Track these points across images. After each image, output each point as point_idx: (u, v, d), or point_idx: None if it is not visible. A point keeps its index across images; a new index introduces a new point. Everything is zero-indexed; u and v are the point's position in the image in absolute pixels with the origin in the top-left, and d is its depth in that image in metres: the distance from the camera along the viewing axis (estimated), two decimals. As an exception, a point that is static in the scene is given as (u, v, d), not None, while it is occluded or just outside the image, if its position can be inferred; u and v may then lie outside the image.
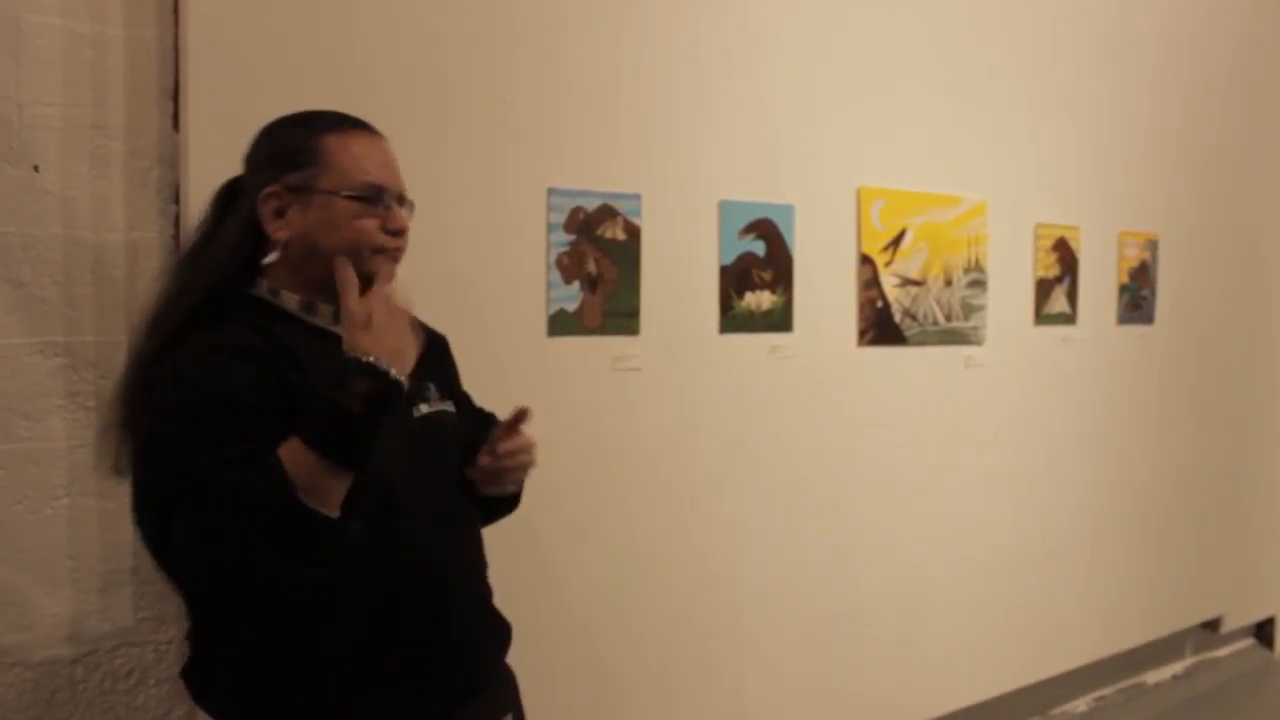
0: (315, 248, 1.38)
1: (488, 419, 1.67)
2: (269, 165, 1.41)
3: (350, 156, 1.39)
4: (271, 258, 1.42)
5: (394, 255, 1.42)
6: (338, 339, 1.31)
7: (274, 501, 1.17)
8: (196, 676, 1.43)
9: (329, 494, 1.21)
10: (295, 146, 1.40)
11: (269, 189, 1.38)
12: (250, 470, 1.19)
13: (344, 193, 1.37)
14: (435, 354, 1.61)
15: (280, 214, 1.38)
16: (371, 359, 1.25)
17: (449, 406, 1.56)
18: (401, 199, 1.45)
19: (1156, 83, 3.77)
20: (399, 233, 1.42)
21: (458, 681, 1.45)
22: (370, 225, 1.39)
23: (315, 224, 1.38)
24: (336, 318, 1.38)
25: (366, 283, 1.36)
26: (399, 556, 1.37)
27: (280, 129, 1.45)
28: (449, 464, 1.52)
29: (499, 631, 1.58)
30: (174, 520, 1.20)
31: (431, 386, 1.53)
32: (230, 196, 1.44)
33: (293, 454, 1.20)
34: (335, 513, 1.22)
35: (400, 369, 1.28)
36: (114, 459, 1.37)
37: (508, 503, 1.67)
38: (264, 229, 1.39)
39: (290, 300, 1.41)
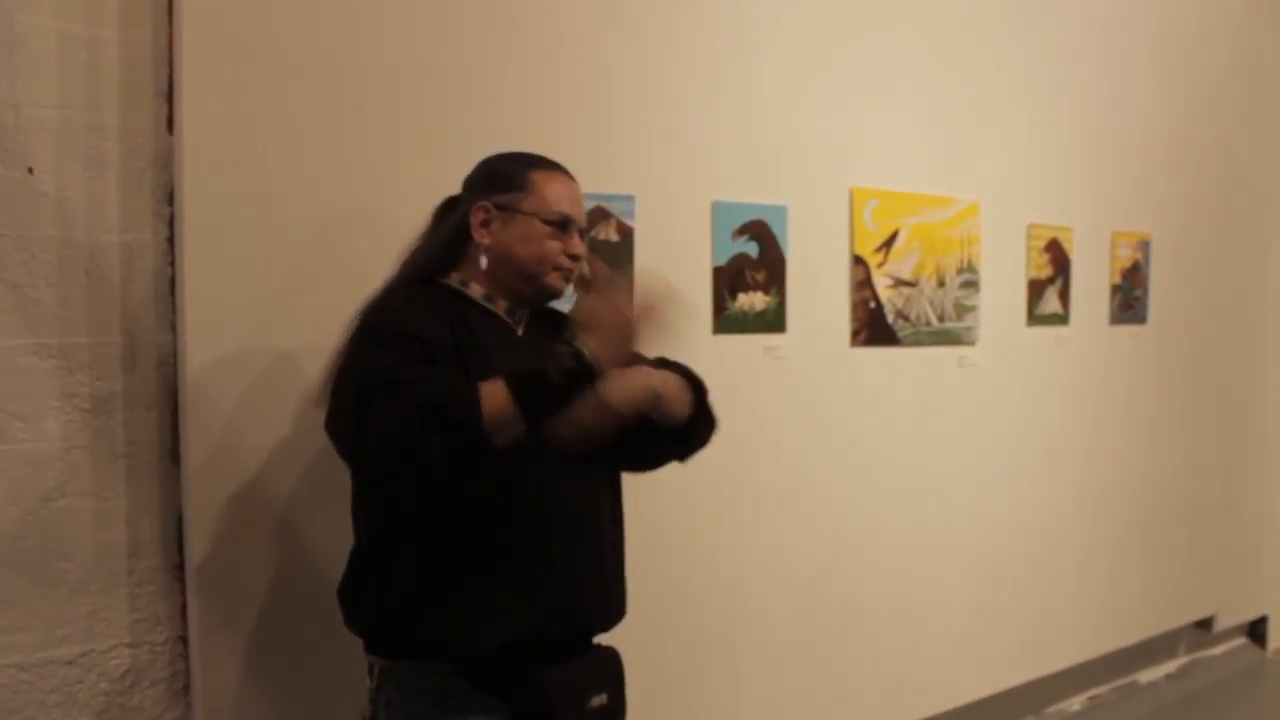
0: (509, 256, 1.68)
1: None
2: (483, 185, 1.73)
3: (550, 190, 1.70)
4: (483, 263, 1.70)
5: (567, 274, 1.72)
6: (507, 324, 1.70)
7: (463, 416, 1.43)
8: (347, 594, 1.70)
9: (503, 433, 1.46)
10: (507, 173, 1.72)
11: (481, 203, 1.69)
12: (444, 381, 1.48)
13: (541, 217, 1.68)
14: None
15: (485, 225, 1.69)
16: (585, 351, 1.51)
17: None
18: (583, 233, 1.74)
19: (1149, 83, 3.79)
20: (576, 257, 1.72)
21: (549, 633, 1.62)
22: (555, 247, 1.69)
23: (513, 237, 1.68)
24: (508, 312, 1.71)
25: (544, 294, 1.71)
26: (527, 505, 1.61)
27: (497, 160, 1.76)
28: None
29: (606, 608, 1.73)
30: (369, 408, 1.45)
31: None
32: (446, 208, 1.77)
33: (492, 392, 1.46)
34: (497, 446, 1.46)
35: (604, 363, 1.52)
36: (326, 415, 1.60)
37: (685, 439, 1.83)
38: (472, 234, 1.69)
39: (476, 291, 1.71)
